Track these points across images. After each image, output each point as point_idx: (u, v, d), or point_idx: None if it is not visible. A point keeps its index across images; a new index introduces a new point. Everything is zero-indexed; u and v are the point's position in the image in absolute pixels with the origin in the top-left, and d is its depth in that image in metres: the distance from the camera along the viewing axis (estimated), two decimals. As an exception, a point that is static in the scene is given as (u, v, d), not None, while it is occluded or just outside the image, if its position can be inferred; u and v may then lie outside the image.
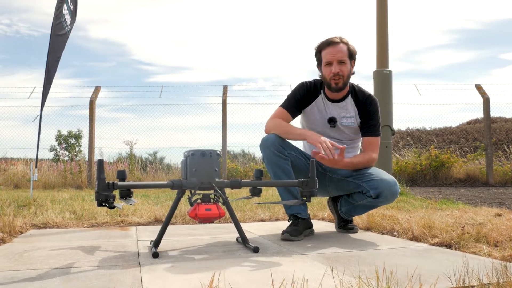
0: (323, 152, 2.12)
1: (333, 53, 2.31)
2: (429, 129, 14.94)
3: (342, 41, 2.34)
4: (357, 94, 2.41)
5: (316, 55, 2.41)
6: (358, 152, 2.50)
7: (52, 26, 4.82)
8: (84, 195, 5.18)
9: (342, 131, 2.41)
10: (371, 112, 2.39)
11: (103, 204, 1.64)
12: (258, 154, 11.11)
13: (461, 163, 8.77)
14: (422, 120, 17.67)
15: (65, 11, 5.09)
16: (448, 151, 8.99)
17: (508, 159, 9.66)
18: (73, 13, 5.46)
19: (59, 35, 5.00)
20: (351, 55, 2.34)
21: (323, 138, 2.18)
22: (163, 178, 8.62)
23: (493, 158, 8.55)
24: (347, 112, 2.39)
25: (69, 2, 5.20)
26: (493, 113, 9.08)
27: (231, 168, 8.71)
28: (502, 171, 8.54)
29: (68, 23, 5.25)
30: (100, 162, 1.63)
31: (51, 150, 11.99)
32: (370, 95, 2.42)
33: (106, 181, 1.64)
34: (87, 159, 8.24)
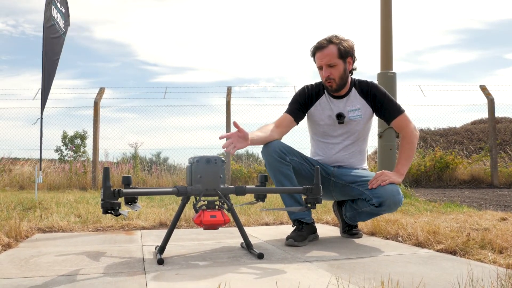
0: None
1: (320, 58, 2.33)
2: (433, 129, 14.90)
3: (331, 41, 2.31)
4: (361, 86, 2.42)
5: (313, 59, 2.43)
6: (365, 150, 2.50)
7: (43, 29, 4.76)
8: (88, 197, 5.21)
9: (351, 125, 2.41)
10: (380, 96, 2.38)
11: (109, 211, 1.65)
12: (262, 155, 11.09)
13: (466, 164, 8.73)
14: (426, 120, 17.66)
15: (55, 14, 4.99)
16: (453, 152, 8.95)
17: (513, 160, 9.60)
18: (66, 16, 5.34)
19: (54, 38, 4.95)
20: (343, 54, 2.30)
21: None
22: (168, 180, 8.63)
23: (497, 159, 8.51)
24: (353, 106, 2.40)
25: (59, 5, 5.10)
26: (498, 113, 9.02)
27: (235, 170, 8.72)
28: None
29: (62, 26, 5.16)
30: (106, 170, 1.64)
31: (56, 150, 12.04)
32: (371, 82, 2.44)
33: (112, 189, 1.65)
34: (91, 159, 8.27)
